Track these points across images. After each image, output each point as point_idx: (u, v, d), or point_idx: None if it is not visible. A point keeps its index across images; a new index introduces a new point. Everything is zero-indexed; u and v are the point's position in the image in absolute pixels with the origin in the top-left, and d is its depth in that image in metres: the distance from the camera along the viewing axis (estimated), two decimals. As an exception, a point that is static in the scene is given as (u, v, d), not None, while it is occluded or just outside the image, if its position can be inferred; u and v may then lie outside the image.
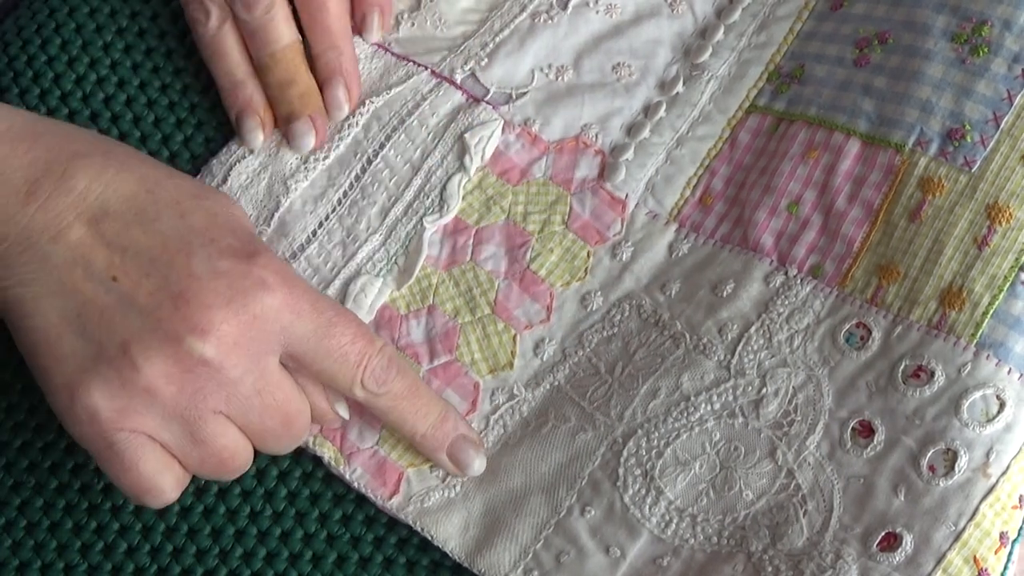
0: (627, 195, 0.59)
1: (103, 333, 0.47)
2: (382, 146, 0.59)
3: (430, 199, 0.58)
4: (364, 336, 0.51)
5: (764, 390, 0.53)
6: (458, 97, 0.60)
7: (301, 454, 0.55)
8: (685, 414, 0.53)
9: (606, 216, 0.58)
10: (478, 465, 0.54)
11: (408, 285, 0.57)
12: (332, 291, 0.57)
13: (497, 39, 0.62)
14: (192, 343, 0.46)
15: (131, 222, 0.48)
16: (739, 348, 0.54)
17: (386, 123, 0.60)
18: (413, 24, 0.63)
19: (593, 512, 0.52)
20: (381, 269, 0.57)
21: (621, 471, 0.53)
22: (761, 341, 0.54)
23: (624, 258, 0.58)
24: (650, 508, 0.52)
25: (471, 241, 0.58)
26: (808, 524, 0.50)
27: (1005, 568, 0.48)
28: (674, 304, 0.56)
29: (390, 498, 0.54)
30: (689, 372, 0.54)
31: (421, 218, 0.58)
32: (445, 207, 0.58)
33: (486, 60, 0.61)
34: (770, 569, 0.49)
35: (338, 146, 0.60)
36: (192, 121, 0.61)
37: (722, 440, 0.52)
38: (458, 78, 0.61)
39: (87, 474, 0.55)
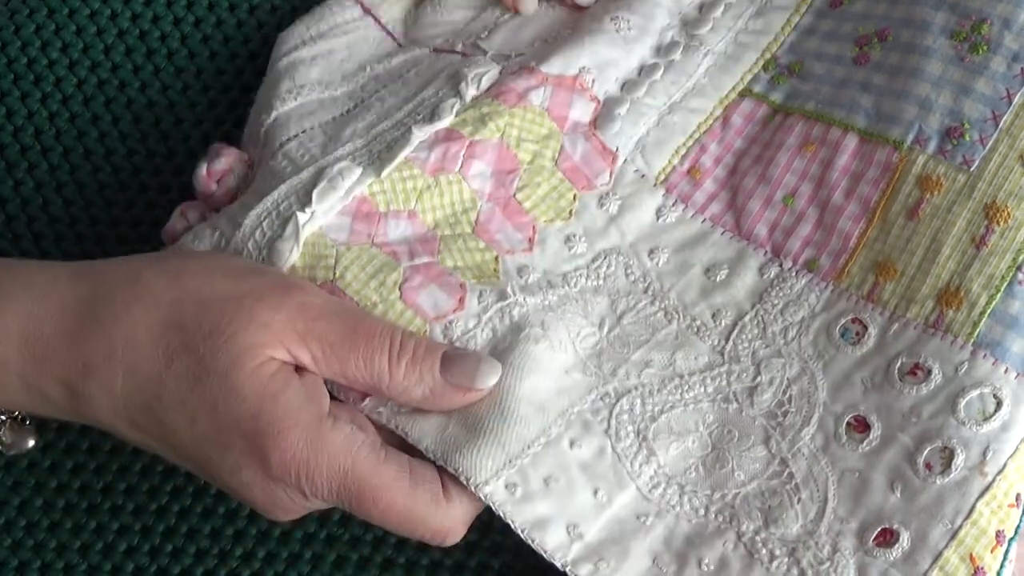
0: (617, 148, 0.58)
1: None
2: (376, 92, 0.58)
3: (420, 116, 0.56)
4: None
5: (759, 379, 0.53)
6: (456, 58, 0.60)
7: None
8: (680, 390, 0.53)
9: (596, 164, 0.58)
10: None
11: (391, 180, 0.54)
12: (305, 175, 0.54)
13: (498, 21, 0.62)
14: None
15: (154, 434, 0.49)
16: (733, 335, 0.54)
17: (383, 79, 0.59)
18: (413, 9, 0.63)
19: (582, 449, 0.51)
20: (362, 162, 0.55)
21: (613, 423, 0.52)
22: (755, 331, 0.54)
23: (611, 210, 0.57)
24: (641, 466, 0.51)
25: (463, 152, 0.56)
26: (802, 511, 0.50)
27: (1001, 567, 0.48)
28: (664, 275, 0.56)
29: (363, 399, 0.51)
30: (683, 351, 0.54)
31: (409, 128, 0.55)
32: (436, 118, 0.55)
33: (487, 34, 0.61)
34: (764, 552, 0.49)
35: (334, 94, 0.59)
36: (191, 119, 0.62)
37: (716, 422, 0.52)
38: (458, 47, 0.60)
39: (86, 473, 0.56)
